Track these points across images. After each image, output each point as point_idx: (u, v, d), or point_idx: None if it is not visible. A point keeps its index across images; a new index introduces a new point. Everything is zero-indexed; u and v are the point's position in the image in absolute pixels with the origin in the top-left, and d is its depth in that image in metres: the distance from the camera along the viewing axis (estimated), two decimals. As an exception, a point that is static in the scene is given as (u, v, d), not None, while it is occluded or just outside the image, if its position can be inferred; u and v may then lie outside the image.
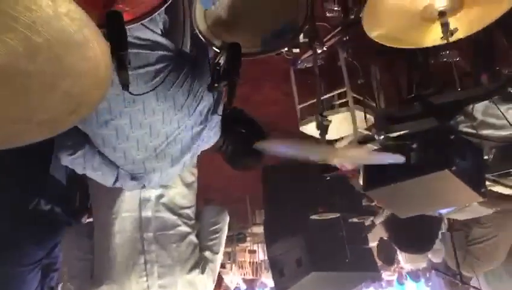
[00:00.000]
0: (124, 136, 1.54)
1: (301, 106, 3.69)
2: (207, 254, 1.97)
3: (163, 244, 1.81)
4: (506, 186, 2.62)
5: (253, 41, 1.54)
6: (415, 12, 1.50)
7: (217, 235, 2.01)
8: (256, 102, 4.05)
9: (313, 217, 4.25)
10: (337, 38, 3.19)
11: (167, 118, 1.54)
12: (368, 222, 4.56)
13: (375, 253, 5.58)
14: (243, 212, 5.87)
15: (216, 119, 1.67)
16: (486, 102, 1.82)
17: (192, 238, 1.92)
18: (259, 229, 5.66)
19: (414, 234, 3.35)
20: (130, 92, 1.21)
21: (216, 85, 1.46)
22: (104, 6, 1.23)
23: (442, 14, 1.45)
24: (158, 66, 1.49)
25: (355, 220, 4.51)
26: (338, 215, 4.26)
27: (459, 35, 1.53)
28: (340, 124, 2.90)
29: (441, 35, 1.47)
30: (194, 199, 1.99)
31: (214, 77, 1.47)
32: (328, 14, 2.70)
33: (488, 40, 2.27)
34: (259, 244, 6.23)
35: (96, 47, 1.02)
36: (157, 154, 1.61)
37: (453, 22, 1.47)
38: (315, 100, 3.40)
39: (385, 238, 4.38)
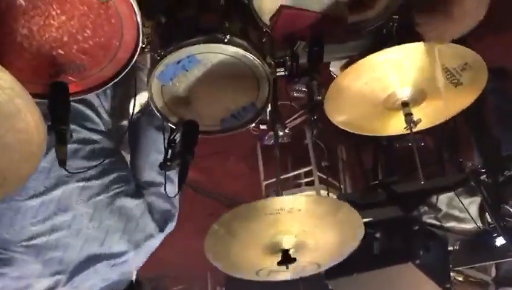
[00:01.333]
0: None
1: (266, 182, 3.64)
2: None
3: None
4: (469, 276, 2.55)
5: (212, 120, 1.48)
6: (378, 101, 1.48)
7: None
8: (220, 175, 3.97)
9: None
10: (304, 117, 3.22)
11: None
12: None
13: None
14: (203, 288, 5.60)
15: None
16: (450, 194, 1.79)
17: None
18: (219, 309, 5.37)
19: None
20: (66, 169, 1.11)
21: (169, 164, 1.37)
22: (50, 76, 1.16)
23: (405, 104, 1.43)
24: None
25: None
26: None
27: (423, 125, 1.50)
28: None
29: (404, 124, 1.44)
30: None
31: (167, 155, 1.38)
32: (294, 94, 2.71)
33: (452, 131, 2.29)
34: (219, 325, 5.89)
35: (29, 119, 0.94)
36: None
37: (416, 112, 1.45)
38: (280, 177, 3.36)
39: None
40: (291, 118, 3.22)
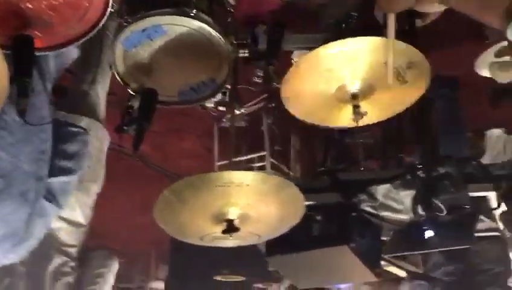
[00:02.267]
0: None
1: (220, 163, 3.70)
2: None
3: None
4: (400, 268, 2.73)
5: (170, 90, 1.53)
6: (330, 92, 1.56)
7: (97, 280, 1.87)
8: (174, 152, 4.00)
9: (217, 278, 4.14)
10: (263, 104, 3.30)
11: None
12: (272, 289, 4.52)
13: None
14: (146, 265, 5.61)
15: None
16: (388, 185, 1.91)
17: (70, 279, 1.77)
18: (160, 285, 5.41)
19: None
20: (25, 120, 1.13)
21: (125, 128, 1.41)
22: (15, 28, 1.17)
23: (354, 96, 1.52)
24: None
25: (260, 285, 4.46)
26: (243, 279, 4.19)
27: (369, 119, 1.61)
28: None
29: (351, 116, 1.54)
30: (80, 239, 1.86)
31: (123, 120, 1.43)
32: (256, 79, 2.79)
33: (398, 129, 2.44)
34: (158, 301, 5.93)
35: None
36: None
37: (364, 106, 1.55)
38: (234, 160, 3.43)
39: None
40: (250, 103, 3.30)
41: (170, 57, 1.42)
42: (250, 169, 3.66)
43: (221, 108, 2.08)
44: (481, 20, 1.07)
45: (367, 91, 1.54)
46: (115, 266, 2.01)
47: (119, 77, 1.44)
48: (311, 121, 1.73)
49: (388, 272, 2.79)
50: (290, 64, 2.30)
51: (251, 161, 3.72)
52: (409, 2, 1.04)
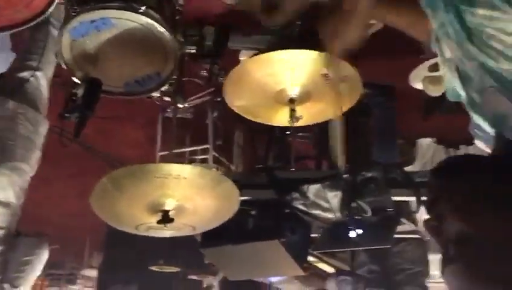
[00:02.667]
0: None
1: (162, 153, 3.72)
2: (6, 286, 1.80)
3: None
4: (329, 264, 2.88)
5: (116, 81, 1.56)
6: (271, 93, 1.67)
7: (24, 267, 1.86)
8: (116, 140, 3.97)
9: (153, 268, 4.15)
10: (209, 98, 3.35)
11: None
12: (207, 282, 4.59)
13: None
14: (80, 252, 5.52)
15: None
16: (319, 185, 2.03)
17: None
18: (93, 273, 5.34)
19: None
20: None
21: (67, 115, 1.43)
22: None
23: (292, 100, 1.63)
24: None
25: (194, 277, 4.51)
26: (178, 270, 4.23)
27: (303, 122, 1.72)
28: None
29: (288, 118, 1.65)
30: (10, 221, 1.83)
31: (66, 106, 1.45)
32: (203, 73, 2.84)
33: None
34: (90, 290, 5.84)
35: None
36: None
37: (300, 110, 1.67)
38: (176, 151, 3.46)
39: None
40: (196, 96, 3.34)
41: (117, 49, 1.45)
42: (193, 161, 3.71)
43: (166, 98, 2.13)
44: (412, 35, 1.19)
45: (304, 97, 1.65)
46: (44, 255, 1.98)
47: (65, 65, 1.45)
48: (249, 118, 1.83)
49: (317, 267, 2.94)
50: (237, 62, 2.39)
51: (194, 153, 3.76)
52: (347, 44, 1.14)
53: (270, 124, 1.82)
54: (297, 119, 1.64)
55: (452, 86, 0.93)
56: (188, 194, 1.54)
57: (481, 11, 0.74)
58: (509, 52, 0.74)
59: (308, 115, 1.72)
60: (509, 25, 0.72)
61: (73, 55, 1.45)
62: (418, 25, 1.06)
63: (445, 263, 0.75)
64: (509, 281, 0.70)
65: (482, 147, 0.96)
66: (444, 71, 0.96)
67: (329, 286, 2.89)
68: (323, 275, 2.92)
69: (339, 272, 2.86)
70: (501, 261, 0.71)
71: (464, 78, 0.86)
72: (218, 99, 3.27)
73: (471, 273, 0.73)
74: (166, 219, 1.52)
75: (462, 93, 0.89)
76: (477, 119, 0.88)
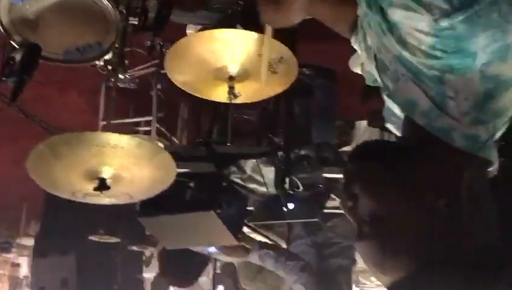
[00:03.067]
0: None
1: (104, 122, 3.68)
2: None
3: None
4: (262, 235, 3.02)
5: (56, 48, 1.56)
6: (211, 69, 1.72)
7: None
8: (58, 105, 3.89)
9: (92, 237, 4.14)
10: (154, 69, 3.35)
11: None
12: (148, 253, 4.63)
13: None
14: (16, 220, 5.39)
15: None
16: (255, 160, 2.13)
17: None
18: (30, 242, 5.24)
19: (181, 269, 3.54)
20: None
21: (4, 79, 1.43)
22: None
23: (231, 78, 1.70)
24: None
25: (134, 248, 4.53)
26: (118, 240, 4.24)
27: (242, 99, 1.80)
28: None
29: (227, 95, 1.71)
30: None
31: (4, 70, 1.44)
32: (149, 43, 2.83)
33: (275, 111, 2.68)
34: (26, 258, 5.73)
35: None
36: None
37: (238, 88, 1.74)
38: (119, 121, 3.45)
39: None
40: (140, 67, 3.32)
41: (57, 16, 1.45)
42: (136, 132, 3.71)
43: (110, 67, 2.13)
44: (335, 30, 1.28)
45: (243, 75, 1.72)
46: None
47: (2, 28, 1.44)
48: (189, 91, 1.88)
49: (252, 239, 3.06)
50: (183, 35, 2.41)
51: (137, 124, 3.76)
52: (288, 20, 1.21)
53: (208, 99, 1.88)
54: (235, 96, 1.71)
55: (370, 71, 1.02)
56: (125, 164, 1.59)
57: (398, 11, 0.81)
58: (423, 48, 0.80)
59: (246, 93, 1.79)
60: (423, 24, 0.77)
61: (12, 19, 1.44)
62: (340, 20, 1.14)
63: (359, 239, 0.86)
64: (413, 253, 0.80)
65: (393, 130, 1.06)
66: (364, 57, 1.05)
67: (252, 257, 3.00)
68: (246, 248, 3.03)
69: (261, 245, 2.98)
70: (405, 237, 0.81)
71: (380, 66, 0.93)
72: (163, 71, 3.27)
73: (382, 248, 0.83)
74: (103, 186, 1.56)
75: (379, 79, 0.97)
76: (389, 104, 0.97)
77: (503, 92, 0.82)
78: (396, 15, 0.81)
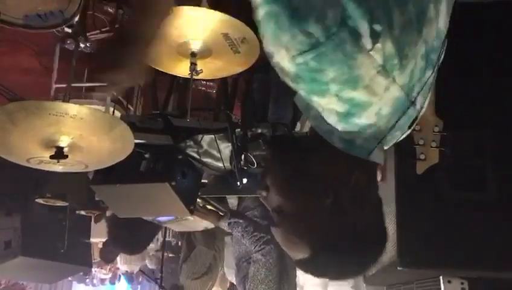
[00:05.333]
0: None
1: (58, 85, 3.60)
2: None
3: None
4: (215, 207, 3.10)
5: (16, 12, 1.53)
6: (174, 44, 1.74)
7: None
8: (8, 65, 3.75)
9: (38, 200, 4.08)
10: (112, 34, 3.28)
11: None
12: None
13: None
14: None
15: None
16: (212, 136, 2.17)
17: None
18: (-29, 201, 5.08)
19: (131, 236, 3.58)
20: None
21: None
22: None
23: (193, 54, 1.72)
24: None
25: (82, 212, 4.51)
26: (66, 204, 4.20)
27: (203, 76, 1.83)
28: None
29: (188, 71, 1.74)
30: None
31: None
32: (109, 9, 2.77)
33: (233, 89, 2.72)
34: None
35: None
36: None
37: (200, 64, 1.77)
38: (73, 85, 3.37)
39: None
40: (98, 31, 3.25)
41: (18, -20, 1.42)
42: (90, 98, 3.64)
43: (66, 29, 2.08)
44: None
45: (205, 52, 1.75)
46: None
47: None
48: (154, 67, 1.89)
49: (205, 207, 3.14)
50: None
51: (91, 89, 3.69)
52: None
53: (169, 72, 1.90)
54: (197, 72, 1.74)
55: None
56: (83, 134, 1.59)
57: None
58: (289, 75, 0.97)
59: (208, 70, 1.83)
60: (285, 59, 0.94)
61: (-32, -21, 1.39)
62: None
63: (272, 225, 1.08)
64: (309, 239, 1.03)
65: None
66: None
67: (221, 224, 3.11)
68: (219, 215, 3.13)
69: (232, 213, 3.09)
70: (302, 226, 1.03)
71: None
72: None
73: (287, 235, 1.06)
74: (59, 155, 1.56)
75: None
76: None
77: (362, 112, 0.97)
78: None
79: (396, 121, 1.01)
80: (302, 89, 0.97)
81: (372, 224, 1.05)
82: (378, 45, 0.88)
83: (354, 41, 0.87)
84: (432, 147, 1.89)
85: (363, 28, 0.87)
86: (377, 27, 0.87)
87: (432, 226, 2.19)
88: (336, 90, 0.93)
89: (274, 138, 1.24)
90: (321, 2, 0.86)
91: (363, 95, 0.94)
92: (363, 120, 0.98)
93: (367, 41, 0.88)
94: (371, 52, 0.89)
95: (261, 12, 0.92)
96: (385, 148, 1.05)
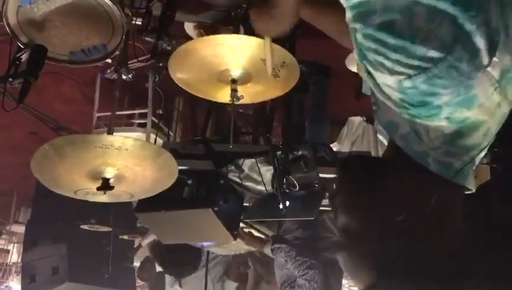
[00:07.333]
0: None
1: (99, 114, 3.69)
2: None
3: None
4: (258, 230, 3.08)
5: (61, 49, 1.57)
6: (214, 72, 1.74)
7: None
8: (51, 96, 3.88)
9: (83, 226, 4.16)
10: (151, 61, 3.35)
11: None
12: (136, 242, 4.66)
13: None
14: (5, 206, 5.37)
15: None
16: (253, 160, 2.16)
17: None
18: (20, 229, 5.25)
19: (177, 260, 3.60)
20: None
21: (10, 80, 1.44)
22: None
23: (233, 81, 1.73)
24: None
25: (125, 237, 4.56)
26: (110, 229, 4.26)
27: (244, 101, 1.83)
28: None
29: (229, 97, 1.74)
30: None
31: (9, 71, 1.45)
32: (147, 38, 2.83)
33: (271, 111, 2.72)
34: (16, 245, 5.73)
35: None
36: None
37: (241, 90, 1.77)
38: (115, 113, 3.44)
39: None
40: (139, 59, 3.32)
41: (65, 19, 1.46)
42: (130, 125, 3.72)
43: (107, 60, 2.14)
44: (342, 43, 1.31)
45: (245, 78, 1.75)
46: None
47: (9, 29, 1.44)
48: (194, 93, 1.91)
49: (251, 233, 3.12)
50: (181, 30, 2.42)
51: (132, 116, 3.77)
52: (279, 31, 1.23)
53: (209, 98, 1.91)
54: (238, 98, 1.74)
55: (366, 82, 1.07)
56: (128, 164, 1.61)
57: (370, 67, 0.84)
58: (393, 99, 0.86)
59: (248, 95, 1.82)
60: (391, 82, 0.82)
61: (19, 20, 1.45)
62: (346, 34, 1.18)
63: (338, 248, 0.95)
64: (373, 263, 0.88)
65: (384, 141, 1.10)
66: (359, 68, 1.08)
67: (266, 250, 3.09)
68: (261, 240, 3.11)
69: (274, 239, 3.06)
70: (366, 247, 0.89)
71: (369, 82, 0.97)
72: (161, 64, 3.28)
73: (350, 258, 0.92)
74: (106, 186, 1.58)
75: (371, 91, 1.02)
76: (376, 121, 1.01)
77: (472, 131, 0.87)
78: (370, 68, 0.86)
79: (491, 140, 0.91)
80: (407, 114, 0.86)
81: (450, 254, 0.88)
82: (495, 59, 0.79)
83: (471, 58, 0.77)
84: (482, 163, 1.81)
85: (481, 40, 0.76)
86: (496, 37, 0.78)
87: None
88: (447, 113, 0.83)
89: (344, 160, 1.10)
90: (426, 21, 0.75)
91: (478, 115, 0.84)
92: (471, 141, 0.88)
93: (485, 56, 0.78)
94: (488, 68, 0.79)
95: (359, 35, 0.82)
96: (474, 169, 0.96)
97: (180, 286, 4.01)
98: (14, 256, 5.88)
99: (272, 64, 1.53)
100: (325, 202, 2.63)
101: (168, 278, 4.10)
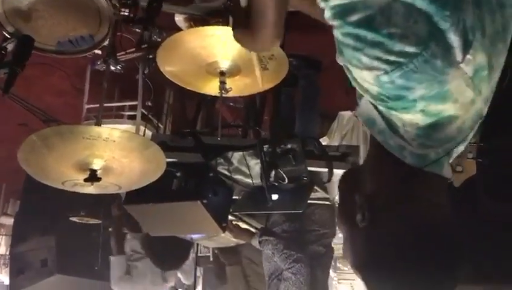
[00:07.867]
0: None
1: (89, 106, 3.66)
2: None
3: None
4: (247, 223, 3.08)
5: (48, 39, 1.56)
6: (202, 64, 1.74)
7: None
8: (41, 87, 3.84)
9: (73, 219, 4.14)
10: (141, 53, 3.33)
11: None
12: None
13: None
14: (-6, 198, 5.34)
15: None
16: (242, 153, 2.16)
17: None
18: (8, 221, 5.22)
19: (168, 253, 3.60)
20: None
21: (-4, 70, 1.43)
22: None
23: (222, 73, 1.73)
24: None
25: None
26: (100, 221, 4.25)
27: (232, 94, 1.83)
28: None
29: (218, 89, 1.74)
30: None
31: (-4, 61, 1.44)
32: (137, 29, 2.81)
33: (261, 104, 2.72)
34: (4, 237, 5.69)
35: None
36: None
37: (229, 82, 1.77)
38: (104, 105, 3.43)
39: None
40: (128, 51, 3.30)
41: (52, 9, 1.45)
42: (120, 117, 3.69)
43: (96, 51, 2.12)
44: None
45: (233, 71, 1.75)
46: None
47: (-5, 19, 1.43)
48: (182, 85, 1.90)
49: (239, 226, 3.13)
50: (171, 21, 2.40)
51: (122, 108, 3.74)
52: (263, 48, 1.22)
53: (197, 91, 1.91)
54: (227, 91, 1.74)
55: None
56: (116, 156, 1.61)
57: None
58: (370, 93, 0.89)
59: (236, 87, 1.82)
60: (369, 77, 0.85)
61: (4, 9, 1.43)
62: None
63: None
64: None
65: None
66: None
67: (253, 242, 3.09)
68: (249, 232, 3.11)
69: (262, 231, 3.06)
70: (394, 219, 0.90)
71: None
72: (150, 56, 3.26)
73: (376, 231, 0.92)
74: (93, 177, 1.58)
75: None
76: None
77: (446, 125, 0.91)
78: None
79: (467, 135, 0.95)
80: (383, 106, 0.91)
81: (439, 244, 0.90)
82: (469, 57, 0.83)
83: (445, 55, 0.81)
84: (468, 158, 1.83)
85: (455, 38, 0.80)
86: (470, 36, 0.81)
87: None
88: (422, 106, 0.87)
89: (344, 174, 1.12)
90: (403, 18, 0.79)
91: (451, 109, 0.88)
92: (445, 134, 0.92)
93: (458, 53, 0.82)
94: (461, 65, 0.83)
95: (338, 32, 0.84)
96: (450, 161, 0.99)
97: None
98: (3, 248, 5.83)
99: (262, 79, 1.54)
100: (313, 195, 2.65)
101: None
